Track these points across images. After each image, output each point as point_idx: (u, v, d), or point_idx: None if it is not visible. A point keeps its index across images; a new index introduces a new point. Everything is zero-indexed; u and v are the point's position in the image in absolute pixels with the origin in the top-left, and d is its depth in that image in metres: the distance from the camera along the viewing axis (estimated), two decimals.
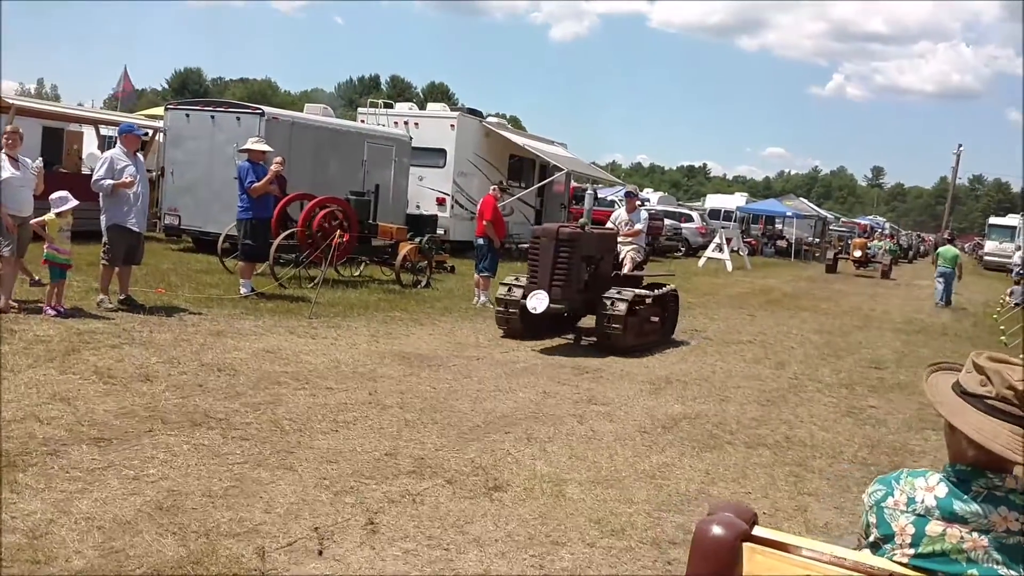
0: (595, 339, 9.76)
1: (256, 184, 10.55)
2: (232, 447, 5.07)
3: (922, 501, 2.01)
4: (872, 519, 2.10)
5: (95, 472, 4.46)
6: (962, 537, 1.94)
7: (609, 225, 12.02)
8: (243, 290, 10.61)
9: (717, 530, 2.00)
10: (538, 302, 9.19)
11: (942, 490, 2.00)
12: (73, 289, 9.18)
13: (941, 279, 20.00)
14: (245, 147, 11.02)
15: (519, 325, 9.83)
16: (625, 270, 11.03)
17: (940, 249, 22.40)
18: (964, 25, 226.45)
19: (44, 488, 4.17)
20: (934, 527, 1.97)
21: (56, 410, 5.40)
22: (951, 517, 1.96)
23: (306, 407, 6.08)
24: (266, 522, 4.06)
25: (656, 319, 10.28)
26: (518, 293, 9.70)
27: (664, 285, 10.88)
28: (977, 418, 1.94)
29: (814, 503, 5.08)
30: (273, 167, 10.82)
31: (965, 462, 2.01)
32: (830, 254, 31.36)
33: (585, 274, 9.87)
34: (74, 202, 8.52)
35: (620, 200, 25.46)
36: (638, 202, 12.86)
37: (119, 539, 3.73)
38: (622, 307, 9.35)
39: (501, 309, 9.98)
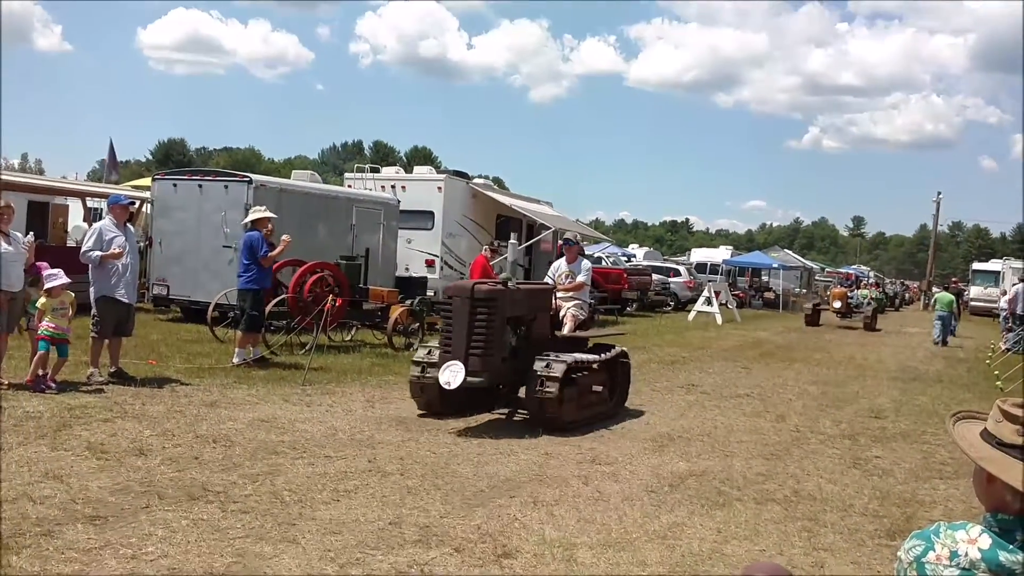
0: (528, 413, 8.33)
1: (272, 254, 10.64)
2: (232, 521, 4.93)
3: (965, 554, 1.94)
4: None
5: (91, 552, 4.31)
6: None
7: (547, 279, 10.57)
8: (236, 359, 10.48)
9: None
10: (452, 376, 7.59)
11: (985, 541, 1.94)
12: None
13: (939, 322, 22.55)
14: (252, 217, 11.00)
15: (436, 397, 8.15)
16: (565, 330, 9.37)
17: (937, 295, 24.87)
18: (934, 76, 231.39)
19: (39, 572, 4.02)
20: None
21: (49, 488, 5.25)
22: (998, 569, 1.90)
23: (305, 477, 5.95)
24: None
25: (601, 388, 8.76)
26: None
27: (612, 347, 9.33)
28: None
29: (830, 558, 4.97)
30: (284, 238, 10.82)
31: (1008, 512, 1.95)
32: (808, 305, 28.36)
33: (512, 339, 8.33)
34: (64, 279, 8.40)
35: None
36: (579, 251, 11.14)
37: None
38: (558, 370, 7.86)
39: (416, 376, 8.25)
